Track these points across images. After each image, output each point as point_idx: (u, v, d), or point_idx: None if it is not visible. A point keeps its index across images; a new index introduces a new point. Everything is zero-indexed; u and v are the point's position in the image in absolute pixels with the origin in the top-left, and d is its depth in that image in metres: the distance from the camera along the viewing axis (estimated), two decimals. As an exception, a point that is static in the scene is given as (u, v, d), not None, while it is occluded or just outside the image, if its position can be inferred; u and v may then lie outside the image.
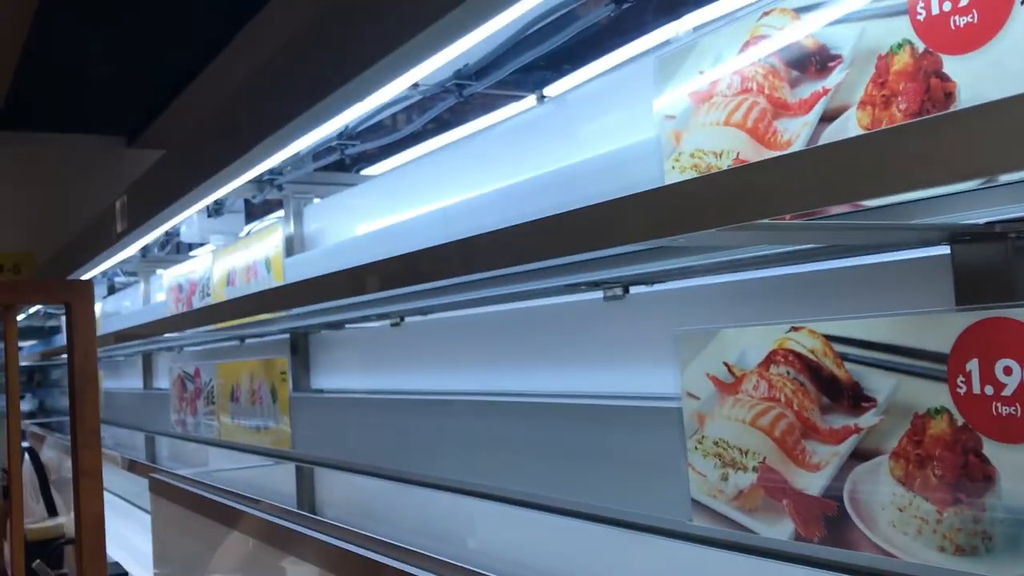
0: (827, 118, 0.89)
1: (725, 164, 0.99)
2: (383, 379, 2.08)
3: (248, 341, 2.88)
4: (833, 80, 0.88)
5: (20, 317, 5.84)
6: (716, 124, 1.00)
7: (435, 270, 1.23)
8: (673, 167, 1.06)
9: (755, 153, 0.96)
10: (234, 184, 1.75)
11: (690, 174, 1.04)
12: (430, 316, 1.85)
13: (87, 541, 1.34)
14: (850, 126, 0.86)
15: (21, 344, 5.97)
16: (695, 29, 1.30)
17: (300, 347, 2.42)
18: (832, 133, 0.88)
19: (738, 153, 0.98)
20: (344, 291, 1.42)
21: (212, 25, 4.73)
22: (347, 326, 2.22)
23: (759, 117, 0.96)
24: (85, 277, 3.40)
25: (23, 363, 6.14)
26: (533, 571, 1.43)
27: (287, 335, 2.46)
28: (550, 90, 1.66)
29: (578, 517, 1.24)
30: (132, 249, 2.74)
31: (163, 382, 3.85)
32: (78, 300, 1.31)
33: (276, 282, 2.27)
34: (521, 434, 1.35)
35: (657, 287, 1.27)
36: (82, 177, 6.49)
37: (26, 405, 6.71)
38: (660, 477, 1.10)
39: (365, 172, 2.46)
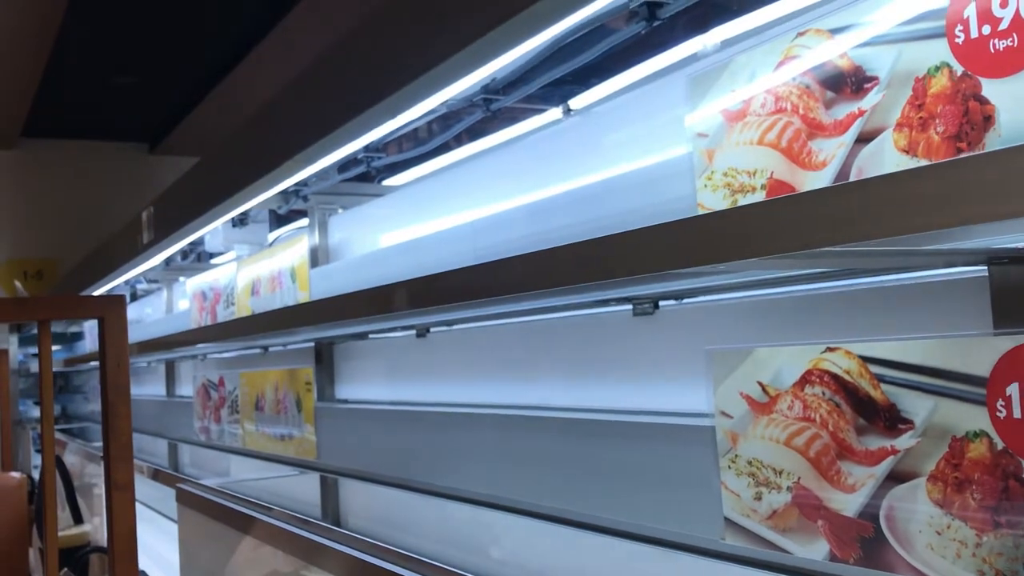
0: (863, 139, 0.89)
1: (759, 183, 0.99)
2: (408, 390, 2.08)
3: (272, 350, 2.89)
4: (869, 101, 0.88)
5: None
6: (750, 143, 1.00)
7: (466, 291, 1.24)
8: (705, 185, 1.06)
9: (789, 173, 0.96)
10: (262, 197, 1.76)
11: (723, 192, 1.04)
12: (455, 327, 1.85)
13: (120, 555, 1.35)
14: (886, 148, 0.86)
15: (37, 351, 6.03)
16: (723, 43, 1.31)
17: (324, 357, 2.43)
18: (868, 155, 0.88)
19: (772, 173, 0.98)
20: (373, 308, 1.43)
21: (233, 35, 4.77)
22: (371, 336, 2.23)
23: (793, 137, 0.96)
24: (110, 287, 3.43)
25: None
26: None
27: (311, 344, 2.47)
28: (576, 103, 1.67)
29: (607, 533, 1.24)
30: (158, 259, 2.76)
31: (186, 389, 3.87)
32: (111, 315, 1.32)
33: (301, 292, 2.28)
34: (548, 449, 1.36)
35: (687, 303, 1.27)
36: (105, 184, 6.56)
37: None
38: (691, 495, 1.10)
39: (388, 182, 2.47)
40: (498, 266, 1.20)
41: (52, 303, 1.37)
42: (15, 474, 3.62)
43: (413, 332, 1.97)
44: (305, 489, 2.51)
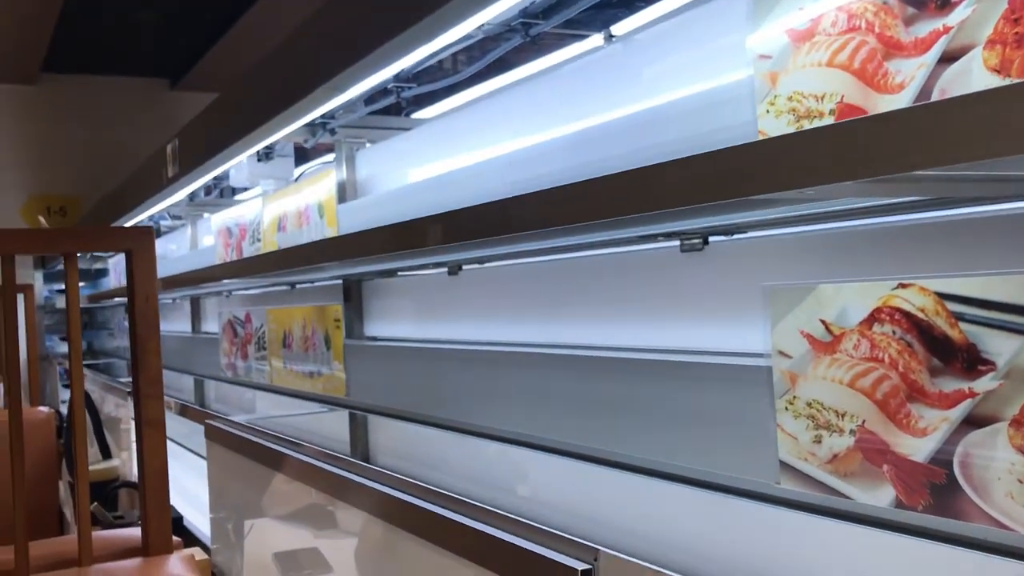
0: (947, 59, 0.82)
1: (827, 108, 0.93)
2: (439, 328, 2.04)
3: (299, 287, 2.86)
4: (956, 17, 0.81)
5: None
6: (818, 65, 0.94)
7: (499, 226, 1.18)
8: (768, 110, 0.99)
9: (862, 96, 0.89)
10: (288, 129, 1.71)
11: (787, 119, 0.97)
12: (489, 265, 1.80)
13: (151, 491, 1.33)
14: (975, 67, 0.79)
15: (63, 286, 6.05)
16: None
17: (353, 294, 2.39)
18: (952, 76, 0.81)
19: (842, 96, 0.91)
20: (402, 243, 1.38)
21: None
22: (400, 274, 2.18)
23: (867, 57, 0.89)
24: (134, 221, 3.40)
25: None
26: (609, 529, 1.40)
27: (339, 281, 2.43)
28: (618, 28, 1.59)
29: (652, 475, 1.20)
30: (182, 193, 2.71)
31: (211, 326, 3.86)
32: (139, 248, 1.28)
33: (329, 228, 2.24)
34: (588, 389, 1.31)
35: (738, 238, 1.21)
36: (126, 119, 6.51)
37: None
38: (743, 437, 1.05)
39: (417, 115, 2.40)
40: (533, 198, 1.14)
41: (79, 234, 1.33)
42: (43, 408, 3.64)
43: (445, 270, 1.92)
44: (334, 426, 2.50)
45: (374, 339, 2.32)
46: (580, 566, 0.97)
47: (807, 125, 0.95)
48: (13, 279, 1.27)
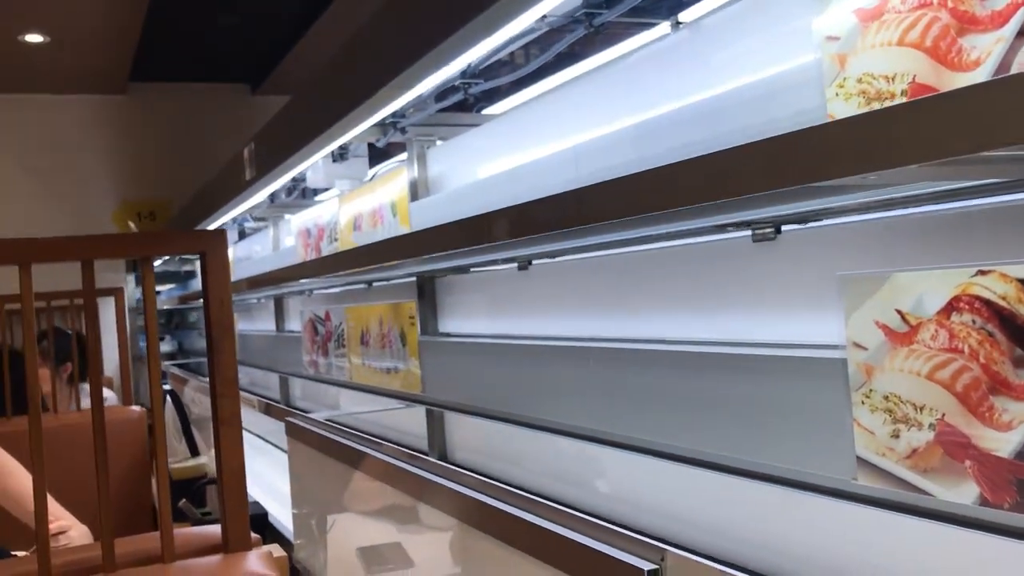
0: (1026, 32, 0.78)
1: (899, 89, 0.89)
2: (511, 323, 2.04)
3: (375, 285, 2.89)
4: (1035, -13, 0.76)
5: (156, 263, 6.09)
6: (887, 44, 0.90)
7: (569, 218, 1.17)
8: (837, 93, 0.96)
9: (935, 76, 0.86)
10: (358, 129, 1.72)
11: (857, 101, 0.94)
12: (559, 259, 1.79)
13: (229, 488, 1.35)
14: (1056, 39, 0.75)
15: (159, 288, 6.24)
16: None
17: (427, 291, 2.41)
18: (1032, 49, 0.77)
19: (914, 76, 0.87)
20: (472, 238, 1.38)
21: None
22: (472, 270, 2.19)
23: (940, 34, 0.85)
24: (216, 224, 3.49)
25: (162, 307, 6.41)
26: (683, 524, 1.38)
27: (413, 279, 2.45)
28: (685, 15, 1.55)
29: (725, 471, 1.17)
30: (261, 195, 2.77)
31: (293, 324, 3.93)
32: (211, 250, 1.31)
33: (403, 227, 2.25)
34: (661, 384, 1.29)
35: (811, 226, 1.17)
36: (210, 125, 6.68)
37: (166, 347, 7.01)
38: (818, 432, 1.02)
39: (487, 111, 2.40)
40: (605, 188, 1.12)
41: (152, 239, 1.36)
42: (135, 408, 3.76)
43: (515, 265, 1.92)
44: (411, 421, 2.52)
45: (448, 335, 2.33)
46: (647, 566, 0.95)
47: (878, 107, 0.91)
48: (92, 284, 1.30)
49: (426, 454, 2.41)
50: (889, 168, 0.66)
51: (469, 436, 2.29)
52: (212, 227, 3.64)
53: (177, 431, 2.96)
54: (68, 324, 4.98)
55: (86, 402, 4.20)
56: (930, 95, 0.66)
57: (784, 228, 1.19)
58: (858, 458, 0.96)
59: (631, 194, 1.04)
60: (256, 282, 3.02)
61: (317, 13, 5.26)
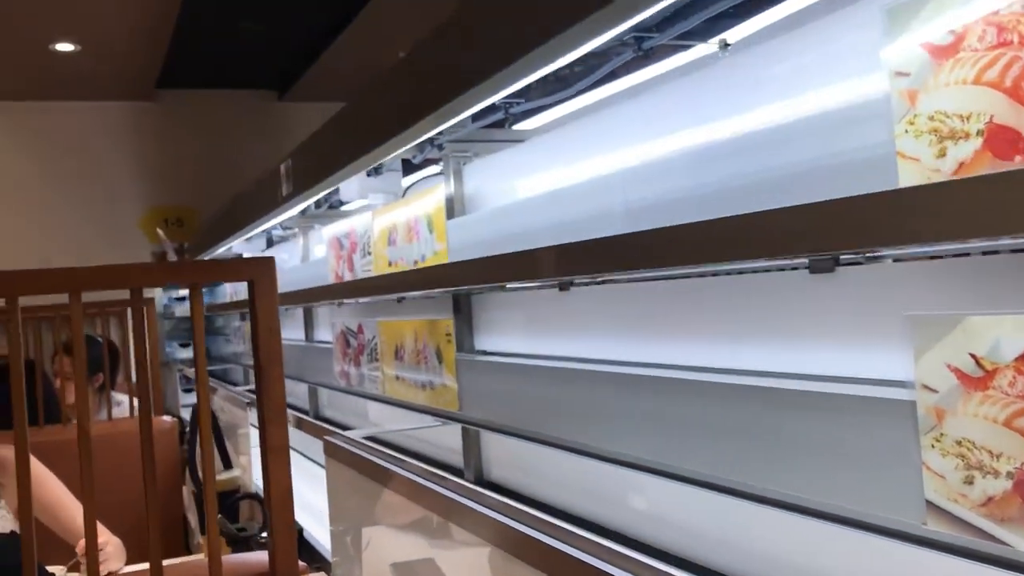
0: (1114, 75, 0.76)
1: (974, 128, 0.87)
2: (550, 344, 2.03)
3: (409, 295, 2.88)
4: (1125, 30, 0.74)
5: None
6: (963, 83, 0.88)
7: (622, 260, 1.15)
8: (906, 130, 0.94)
9: (1014, 116, 0.84)
10: (400, 150, 1.71)
11: (928, 139, 0.92)
12: (603, 284, 1.77)
13: (277, 516, 1.35)
14: None
15: (183, 294, 6.27)
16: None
17: (463, 307, 2.40)
18: (1121, 93, 0.75)
19: (992, 117, 0.85)
20: (520, 273, 1.37)
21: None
22: (509, 287, 2.17)
23: (1021, 75, 0.83)
24: (248, 236, 3.49)
25: (186, 315, 6.45)
26: (736, 556, 1.36)
27: (449, 294, 2.44)
28: (733, 36, 1.53)
29: (784, 508, 1.16)
30: (295, 210, 2.77)
31: (323, 334, 3.94)
32: (261, 278, 1.30)
33: (439, 243, 2.24)
34: (713, 415, 1.27)
35: (871, 259, 1.15)
36: (237, 131, 6.71)
37: (190, 353, 7.03)
38: (883, 473, 1.00)
39: (521, 126, 2.38)
40: (661, 235, 1.11)
41: (201, 267, 1.36)
42: (167, 418, 3.77)
43: (555, 286, 1.90)
44: (446, 437, 2.51)
45: (484, 352, 2.32)
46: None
47: (951, 146, 0.89)
48: (142, 311, 1.30)
49: (461, 471, 2.41)
50: (973, 239, 0.64)
51: (505, 455, 2.28)
52: (243, 239, 3.65)
53: (211, 443, 2.96)
54: (96, 331, 5.02)
55: (115, 411, 4.23)
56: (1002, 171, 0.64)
57: (843, 258, 1.17)
58: (928, 502, 0.94)
59: (684, 244, 1.02)
60: (290, 299, 3.02)
61: (345, 22, 5.28)
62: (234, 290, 4.90)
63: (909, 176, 0.94)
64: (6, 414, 3.70)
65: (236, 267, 1.34)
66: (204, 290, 4.85)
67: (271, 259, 1.31)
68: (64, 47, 5.22)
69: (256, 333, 1.31)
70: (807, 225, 0.86)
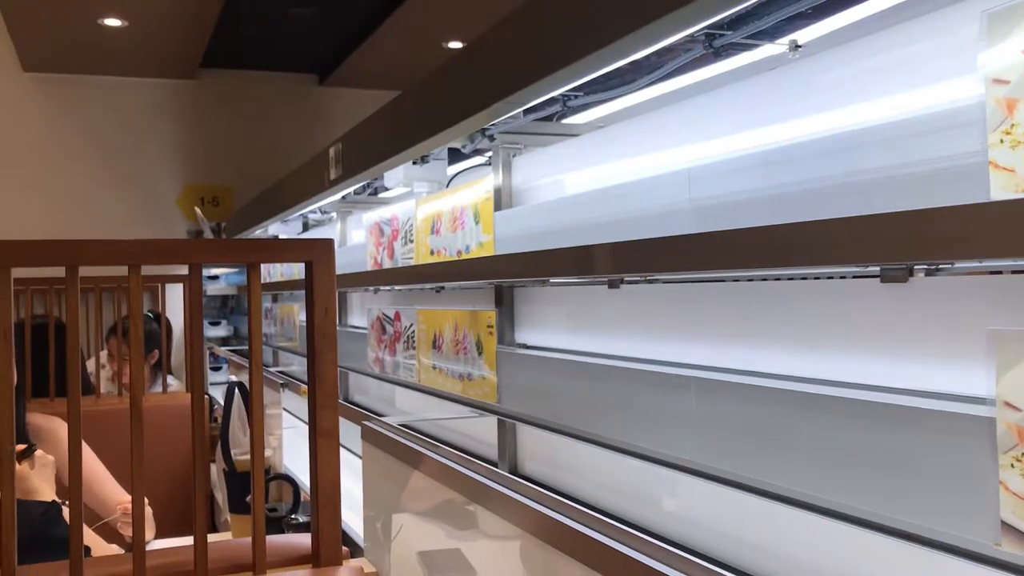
0: None
1: (1077, 141, 0.84)
2: (596, 340, 2.01)
3: (448, 286, 2.87)
4: None
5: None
6: (1067, 93, 0.85)
7: (683, 261, 1.13)
8: (1002, 140, 0.91)
9: (1123, 129, 0.81)
10: (455, 140, 1.70)
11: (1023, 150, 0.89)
12: (652, 283, 1.75)
13: (324, 501, 1.34)
14: None
15: (217, 272, 6.30)
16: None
17: (505, 299, 2.38)
18: None
19: (1098, 128, 0.83)
20: (571, 268, 1.35)
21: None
22: (553, 281, 2.16)
23: None
24: (291, 218, 3.49)
25: (218, 293, 6.46)
26: (801, 568, 1.33)
27: (491, 286, 2.42)
28: (804, 37, 1.50)
29: (848, 521, 1.13)
30: (341, 194, 2.76)
31: (356, 319, 3.94)
32: (319, 259, 1.30)
33: (484, 235, 2.23)
34: (774, 423, 1.25)
35: (944, 268, 1.12)
36: (276, 113, 6.73)
37: (221, 331, 7.07)
38: (957, 491, 0.98)
39: (571, 120, 2.36)
40: (726, 237, 1.09)
41: (259, 246, 1.35)
42: (199, 395, 3.77)
43: (605, 282, 1.88)
44: (481, 428, 2.50)
45: (525, 346, 2.30)
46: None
47: (1050, 158, 0.87)
48: (200, 286, 1.30)
49: (495, 463, 2.40)
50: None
51: (541, 449, 2.27)
52: (287, 221, 3.65)
53: (243, 423, 2.97)
54: (149, 308, 5.05)
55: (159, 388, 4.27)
56: None
57: (916, 268, 1.15)
58: (1003, 523, 0.91)
59: (756, 248, 1.00)
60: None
61: (390, 10, 5.26)
62: (267, 269, 4.91)
63: (1002, 187, 0.91)
64: (44, 382, 3.74)
65: (297, 247, 1.33)
66: (236, 270, 4.86)
67: (330, 241, 1.31)
68: (112, 22, 5.24)
69: (312, 314, 1.30)
70: (879, 234, 0.83)
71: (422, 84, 1.93)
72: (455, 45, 5.92)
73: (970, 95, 0.97)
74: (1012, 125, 0.90)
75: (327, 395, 1.30)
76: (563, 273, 1.44)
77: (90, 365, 4.66)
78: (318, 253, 1.28)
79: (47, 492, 2.30)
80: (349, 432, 2.77)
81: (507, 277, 1.66)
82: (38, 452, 2.36)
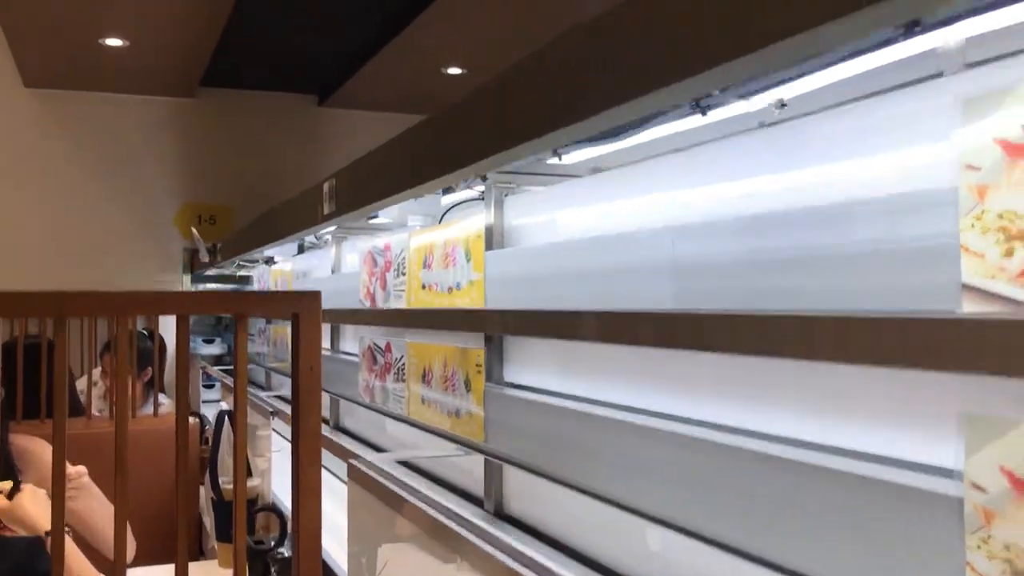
0: None
1: (1045, 233, 0.86)
2: (583, 384, 2.02)
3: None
4: None
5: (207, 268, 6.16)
6: (1036, 185, 0.87)
7: (671, 338, 1.15)
8: (973, 225, 0.93)
9: (1088, 225, 0.82)
10: (451, 183, 1.72)
11: (996, 237, 0.90)
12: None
13: (304, 554, 1.34)
14: None
15: (214, 287, 6.31)
16: (968, 41, 1.15)
17: (495, 338, 2.39)
18: None
19: (1064, 223, 0.84)
20: (554, 331, 1.37)
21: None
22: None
23: (1099, 185, 0.81)
24: (285, 244, 3.51)
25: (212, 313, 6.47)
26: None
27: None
28: (789, 93, 1.52)
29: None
30: (333, 226, 2.78)
31: (348, 345, 3.94)
32: (305, 312, 1.30)
33: (475, 273, 2.24)
34: (737, 480, 1.26)
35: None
36: (275, 133, 6.76)
37: (215, 349, 7.07)
38: (920, 566, 0.99)
39: (566, 162, 2.37)
40: (712, 320, 1.11)
41: (245, 299, 1.36)
42: (190, 419, 3.78)
43: (593, 328, 1.89)
44: (471, 461, 2.50)
45: (514, 385, 2.31)
46: None
47: (1019, 247, 0.88)
48: (187, 338, 1.31)
49: (481, 502, 2.40)
50: None
51: (527, 489, 2.27)
52: (279, 246, 3.66)
53: (232, 450, 2.97)
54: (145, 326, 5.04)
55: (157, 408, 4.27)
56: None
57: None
58: (971, 604, 0.92)
59: (745, 333, 1.02)
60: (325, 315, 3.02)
61: (391, 35, 5.31)
62: (262, 285, 4.92)
63: (973, 271, 0.93)
64: (32, 402, 3.73)
65: (283, 300, 1.34)
66: (233, 288, 4.89)
67: (317, 294, 1.31)
68: (113, 42, 5.28)
69: (296, 371, 1.31)
70: (870, 337, 0.85)
71: (417, 129, 1.95)
72: (454, 71, 5.96)
73: (948, 177, 0.98)
74: (983, 211, 0.92)
75: (310, 451, 1.31)
76: (547, 335, 1.46)
77: (81, 383, 4.66)
78: (304, 306, 1.29)
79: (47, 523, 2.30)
80: (337, 460, 2.78)
81: (493, 331, 1.67)
82: (28, 486, 2.35)
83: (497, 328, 1.60)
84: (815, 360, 0.89)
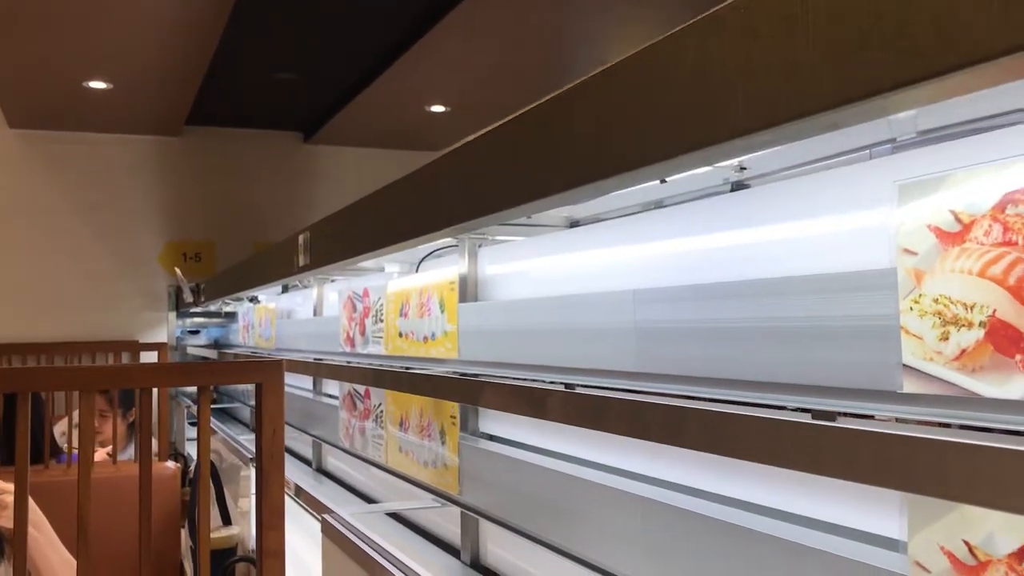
0: (1116, 293, 0.77)
1: (978, 320, 0.88)
2: (554, 439, 2.03)
3: (417, 368, 2.90)
4: None
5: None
6: (967, 273, 0.89)
7: (634, 428, 1.17)
8: (912, 308, 0.95)
9: (1016, 315, 0.85)
10: (422, 244, 1.74)
11: (932, 321, 0.93)
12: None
13: (268, 620, 1.35)
14: None
15: (197, 328, 6.29)
16: (920, 133, 1.17)
17: (470, 388, 2.40)
18: (1122, 312, 0.76)
19: (995, 311, 0.86)
20: (525, 408, 1.39)
21: (387, 38, 4.80)
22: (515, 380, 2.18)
23: (1024, 277, 0.84)
24: (262, 295, 3.52)
25: (198, 354, 6.45)
26: None
27: (455, 374, 2.45)
28: (749, 162, 1.55)
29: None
30: (309, 276, 2.80)
31: (330, 387, 3.95)
32: (268, 380, 1.32)
33: (449, 325, 2.26)
34: (703, 547, 1.27)
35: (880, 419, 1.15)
36: (260, 170, 6.78)
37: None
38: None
39: (539, 217, 2.40)
40: (671, 413, 1.14)
41: (210, 369, 1.38)
42: (170, 464, 3.77)
43: (564, 385, 1.91)
44: (447, 514, 2.51)
45: (489, 437, 2.32)
46: None
47: (954, 332, 0.90)
48: (150, 407, 1.32)
49: (458, 552, 2.41)
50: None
51: (502, 540, 2.28)
52: (256, 293, 3.68)
53: (211, 497, 2.96)
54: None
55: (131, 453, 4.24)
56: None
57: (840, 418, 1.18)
58: None
59: (701, 432, 1.04)
60: (296, 366, 3.05)
61: (376, 73, 5.35)
62: (247, 325, 4.93)
63: (912, 353, 0.95)
64: (8, 451, 3.67)
65: (246, 369, 1.35)
66: (223, 323, 4.86)
67: (280, 363, 1.33)
68: (97, 85, 5.31)
69: (260, 435, 1.32)
70: (833, 444, 0.88)
71: (391, 189, 1.98)
72: (438, 108, 6.01)
73: (889, 259, 1.01)
74: (920, 295, 0.94)
75: (272, 515, 1.32)
76: (515, 409, 1.48)
77: (63, 425, 4.64)
78: (267, 375, 1.31)
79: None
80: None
81: (462, 401, 1.69)
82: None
83: (463, 398, 1.62)
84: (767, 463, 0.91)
